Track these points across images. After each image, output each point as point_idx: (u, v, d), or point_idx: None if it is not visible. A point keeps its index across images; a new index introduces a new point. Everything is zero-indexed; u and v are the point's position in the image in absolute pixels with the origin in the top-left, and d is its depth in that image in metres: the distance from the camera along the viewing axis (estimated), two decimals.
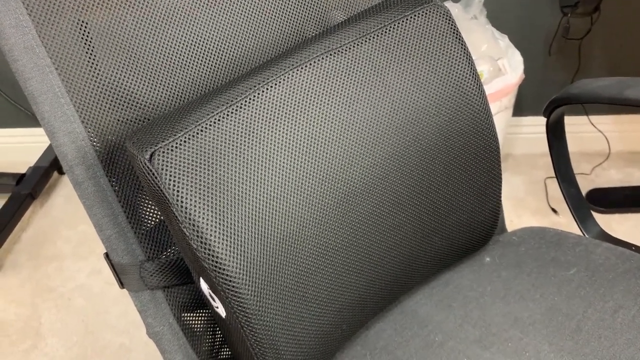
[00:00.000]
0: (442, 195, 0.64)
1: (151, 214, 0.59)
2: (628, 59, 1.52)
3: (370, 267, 0.61)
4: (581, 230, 0.79)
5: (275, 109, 0.52)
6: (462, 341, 0.65)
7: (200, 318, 0.63)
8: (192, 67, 0.59)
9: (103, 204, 0.57)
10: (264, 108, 0.52)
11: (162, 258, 0.59)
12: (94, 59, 0.55)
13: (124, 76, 0.56)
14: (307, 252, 0.54)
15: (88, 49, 0.55)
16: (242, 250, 0.49)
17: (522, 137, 1.66)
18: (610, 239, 0.78)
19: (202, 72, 0.59)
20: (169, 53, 0.58)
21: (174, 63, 0.58)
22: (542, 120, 1.62)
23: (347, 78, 0.56)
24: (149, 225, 0.59)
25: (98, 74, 0.55)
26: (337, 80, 0.56)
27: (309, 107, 0.54)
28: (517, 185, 1.59)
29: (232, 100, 0.51)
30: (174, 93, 0.58)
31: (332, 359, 0.66)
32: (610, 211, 1.47)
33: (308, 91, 0.54)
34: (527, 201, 1.54)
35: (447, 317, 0.68)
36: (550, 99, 0.70)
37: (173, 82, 0.58)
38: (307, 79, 0.54)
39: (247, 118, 0.51)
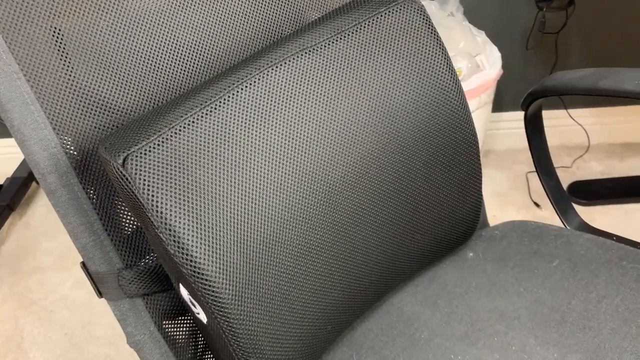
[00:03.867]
0: (423, 192, 0.64)
1: (128, 221, 0.58)
2: (604, 51, 1.53)
3: (353, 267, 0.60)
4: (562, 222, 0.80)
5: (251, 109, 0.52)
6: (448, 338, 0.64)
7: (181, 325, 0.62)
8: (166, 70, 0.58)
9: (78, 212, 0.56)
10: (239, 109, 0.51)
11: (141, 265, 0.58)
12: (66, 65, 0.54)
13: (97, 81, 0.55)
14: (288, 254, 0.53)
15: (61, 55, 0.53)
16: (221, 255, 0.48)
17: (502, 133, 1.67)
18: (592, 229, 0.78)
19: (176, 74, 0.58)
20: (142, 57, 0.57)
21: (147, 66, 0.57)
22: (522, 115, 1.63)
23: (323, 76, 0.56)
24: (125, 232, 0.58)
25: (70, 80, 0.54)
26: (312, 79, 0.55)
27: (284, 106, 0.53)
28: (499, 181, 1.60)
29: (205, 102, 0.50)
30: (148, 97, 0.57)
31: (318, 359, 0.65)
32: (592, 203, 1.48)
33: (283, 90, 0.53)
34: (510, 196, 1.55)
35: (433, 314, 0.68)
36: (528, 92, 0.70)
37: (147, 86, 0.57)
38: (282, 78, 0.54)
39: (221, 119, 0.50)
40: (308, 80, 0.55)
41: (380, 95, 0.58)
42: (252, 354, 0.52)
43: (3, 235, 1.59)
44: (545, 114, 0.78)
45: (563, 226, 0.80)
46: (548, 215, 1.47)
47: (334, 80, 0.56)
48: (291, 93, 0.54)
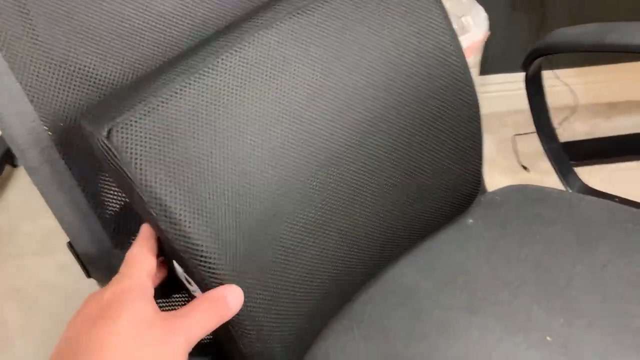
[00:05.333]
0: (424, 157, 0.61)
1: (115, 198, 0.54)
2: (591, 8, 1.50)
3: (353, 237, 0.57)
4: (564, 185, 0.78)
5: (242, 74, 0.48)
6: (450, 308, 0.62)
7: (176, 304, 0.59)
8: (148, 37, 0.54)
9: (62, 189, 0.52)
10: (230, 74, 0.48)
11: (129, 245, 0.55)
12: (36, 34, 0.49)
13: (73, 50, 0.51)
14: (287, 226, 0.50)
15: (29, 23, 0.49)
16: (216, 229, 0.45)
17: (488, 96, 1.65)
18: (594, 192, 0.77)
19: (159, 41, 0.54)
20: (121, 22, 0.52)
21: (128, 33, 0.53)
22: (508, 77, 1.61)
23: (317, 38, 0.52)
24: (113, 209, 0.54)
25: (44, 49, 0.50)
26: (306, 41, 0.52)
27: (278, 70, 0.50)
28: (486, 145, 1.57)
29: (194, 67, 0.46)
30: (131, 66, 0.53)
31: (318, 335, 0.63)
32: (580, 164, 1.47)
33: (276, 54, 0.50)
34: (498, 160, 1.53)
35: (434, 285, 0.66)
36: (525, 52, 0.67)
37: (129, 53, 0.53)
38: (274, 40, 0.50)
39: (211, 85, 0.46)
40: (302, 43, 0.51)
41: (378, 57, 0.55)
42: (251, 330, 0.50)
43: None
44: None
45: (564, 189, 0.79)
46: (537, 178, 1.47)
47: (328, 42, 0.53)
48: (284, 56, 0.50)
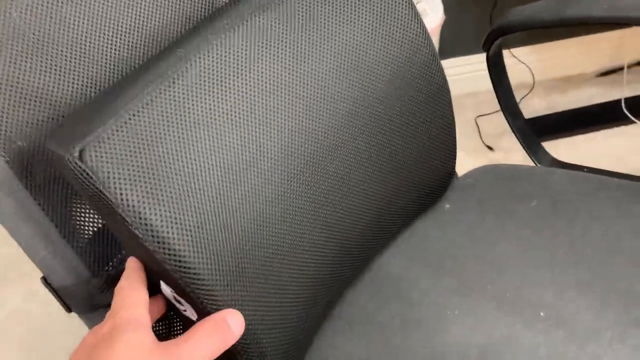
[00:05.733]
0: (401, 147, 0.61)
1: (89, 223, 0.52)
2: None
3: (340, 235, 0.57)
4: (534, 161, 0.79)
5: (213, 78, 0.47)
6: (440, 293, 0.62)
7: (164, 327, 0.58)
8: (106, 49, 0.51)
9: (29, 222, 0.49)
10: (201, 79, 0.46)
11: (110, 270, 0.53)
12: None
13: (24, 70, 0.48)
14: (273, 233, 0.49)
15: None
16: (205, 244, 0.43)
17: (449, 80, 1.66)
18: (562, 164, 0.78)
19: (119, 52, 0.51)
20: (75, 35, 0.50)
21: (83, 47, 0.50)
22: (465, 60, 1.62)
23: (285, 35, 0.51)
24: (88, 236, 0.52)
25: None
26: (276, 38, 0.51)
27: (249, 71, 0.49)
28: None
29: (162, 76, 0.44)
30: (89, 82, 0.50)
31: (314, 339, 0.62)
32: (542, 140, 1.50)
33: (246, 54, 0.49)
34: (462, 142, 1.53)
35: (421, 272, 0.66)
36: (489, 31, 0.68)
37: (87, 69, 0.50)
38: (243, 40, 0.49)
39: (183, 92, 0.45)
40: (271, 41, 0.50)
41: (348, 51, 0.54)
42: (250, 343, 0.49)
43: None
44: (482, 57, 0.76)
45: (534, 165, 0.80)
46: (502, 157, 1.49)
47: (299, 38, 0.52)
48: (254, 56, 0.49)
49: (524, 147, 0.76)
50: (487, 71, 0.77)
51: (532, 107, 1.64)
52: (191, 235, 0.42)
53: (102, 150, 0.40)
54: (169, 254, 0.41)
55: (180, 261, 0.42)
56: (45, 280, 0.52)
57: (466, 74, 1.61)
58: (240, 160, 0.47)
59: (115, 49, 0.52)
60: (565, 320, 0.56)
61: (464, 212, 0.72)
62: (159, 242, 0.41)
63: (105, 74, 0.51)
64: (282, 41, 0.51)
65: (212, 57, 0.47)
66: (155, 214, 0.41)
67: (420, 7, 1.29)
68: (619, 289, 0.58)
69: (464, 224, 0.70)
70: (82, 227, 0.52)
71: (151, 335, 0.40)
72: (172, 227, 0.41)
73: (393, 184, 0.61)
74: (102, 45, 0.51)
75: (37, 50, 0.48)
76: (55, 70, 0.49)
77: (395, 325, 0.60)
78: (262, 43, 0.49)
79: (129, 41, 0.52)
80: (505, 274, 0.62)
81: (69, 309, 0.53)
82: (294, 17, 0.52)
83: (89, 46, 0.50)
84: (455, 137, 0.67)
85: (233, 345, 0.46)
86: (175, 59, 0.45)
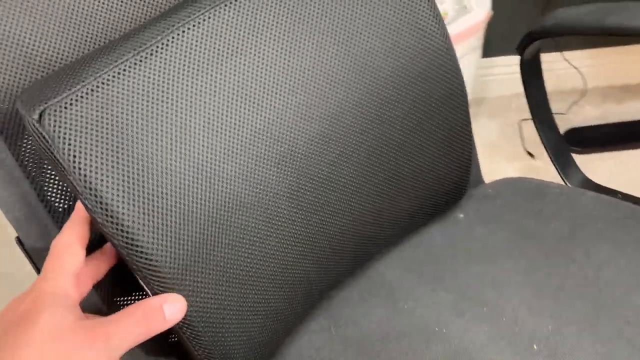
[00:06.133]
0: (405, 149, 0.56)
1: (66, 190, 0.50)
2: None
3: (325, 235, 0.53)
4: (562, 179, 0.73)
5: (195, 54, 0.43)
6: (433, 307, 0.58)
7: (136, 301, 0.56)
8: (97, 12, 0.49)
9: (8, 182, 0.48)
10: (181, 54, 0.43)
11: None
12: None
13: (13, 26, 0.46)
14: (244, 222, 0.46)
15: None
16: (158, 223, 0.41)
17: (494, 79, 1.59)
18: (595, 186, 0.72)
19: (110, 17, 0.49)
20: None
21: (76, 10, 0.48)
22: (514, 59, 1.53)
23: (284, 16, 0.47)
24: (65, 203, 0.50)
25: None
26: (271, 19, 0.47)
27: (236, 51, 0.45)
28: (490, 130, 1.52)
29: (140, 47, 0.42)
30: (77, 44, 0.48)
31: (290, 335, 0.59)
32: (589, 151, 1.41)
33: (236, 32, 0.45)
34: (502, 146, 1.48)
35: (418, 282, 0.62)
36: (524, 34, 0.62)
37: (75, 30, 0.48)
38: (234, 17, 0.45)
39: (159, 67, 0.42)
40: (265, 21, 0.47)
41: (352, 39, 0.50)
42: (203, 332, 0.46)
43: None
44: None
45: (563, 183, 0.74)
46: (542, 166, 1.41)
47: (297, 19, 0.48)
48: (245, 35, 0.45)
49: (553, 163, 0.70)
50: None
51: (585, 114, 1.54)
52: (143, 212, 0.40)
53: (62, 115, 0.38)
54: (117, 229, 0.40)
55: (128, 237, 0.40)
56: (18, 240, 0.51)
57: (514, 74, 1.53)
58: (212, 142, 0.44)
59: (106, 15, 0.49)
60: (560, 358, 0.51)
61: (476, 225, 0.67)
62: (106, 215, 0.39)
63: (93, 39, 0.49)
64: (279, 23, 0.47)
65: (197, 32, 0.43)
66: (106, 185, 0.39)
67: (466, 2, 1.22)
68: (628, 337, 0.52)
69: (474, 237, 0.65)
70: (58, 193, 0.50)
71: (74, 312, 0.38)
72: (122, 201, 0.39)
73: (392, 190, 0.57)
74: (92, 9, 0.49)
75: (29, 11, 0.46)
76: (43, 28, 0.47)
77: (377, 334, 0.57)
78: (257, 22, 0.46)
79: (122, 7, 0.50)
80: (506, 297, 0.57)
81: (38, 270, 0.52)
82: None
83: (79, 8, 0.48)
84: (470, 144, 0.61)
85: (182, 331, 0.44)
86: (159, 29, 0.43)
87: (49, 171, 0.49)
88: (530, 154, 1.44)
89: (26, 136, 0.47)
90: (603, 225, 0.62)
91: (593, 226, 0.62)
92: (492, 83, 1.59)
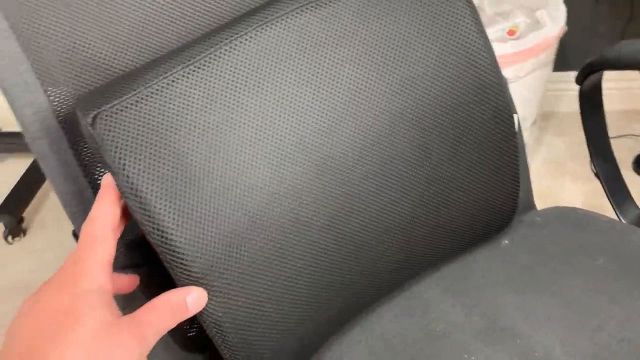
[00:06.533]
0: (444, 173, 0.56)
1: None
2: None
3: (357, 253, 0.54)
4: (617, 214, 0.70)
5: (241, 69, 0.45)
6: (465, 333, 0.58)
7: None
8: (163, 24, 0.51)
9: (68, 179, 0.52)
10: (227, 68, 0.45)
11: (132, 235, 0.54)
12: (58, 21, 0.49)
13: (90, 37, 0.50)
14: (276, 229, 0.47)
15: (52, 10, 0.48)
16: (197, 227, 0.43)
17: (566, 94, 1.53)
18: None
19: (174, 30, 0.52)
20: (137, 11, 0.51)
21: (141, 20, 0.51)
22: None
23: (328, 35, 0.48)
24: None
25: (62, 36, 0.49)
26: (315, 38, 0.48)
27: (280, 68, 0.47)
28: (558, 147, 1.47)
29: (189, 60, 0.44)
30: (143, 55, 0.51)
31: (323, 343, 0.61)
32: None
33: (280, 50, 0.47)
34: (568, 165, 1.43)
35: (454, 305, 0.61)
36: (584, 64, 0.60)
37: (142, 41, 0.51)
38: (280, 36, 0.47)
39: (206, 79, 0.44)
40: (310, 39, 0.48)
41: (395, 59, 0.50)
42: (230, 333, 0.48)
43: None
44: (615, 75, 0.67)
45: (617, 218, 0.71)
46: None
47: (341, 39, 0.49)
48: (289, 53, 0.47)
49: (607, 197, 0.67)
50: (611, 90, 0.68)
51: None
52: (181, 215, 0.43)
53: (112, 120, 0.42)
54: (154, 228, 0.42)
55: (165, 237, 0.42)
56: (74, 234, 0.55)
57: None
58: (254, 153, 0.46)
59: (171, 26, 0.52)
60: None
61: (520, 253, 0.66)
62: (146, 216, 0.42)
63: (158, 49, 0.52)
64: (323, 41, 0.48)
65: (244, 49, 0.45)
66: (148, 188, 0.42)
67: (538, 15, 1.18)
68: None
69: (517, 266, 0.64)
70: None
71: (112, 309, 0.39)
72: (162, 203, 0.42)
73: (430, 215, 0.57)
74: (159, 21, 0.51)
75: (103, 18, 0.50)
76: (115, 40, 0.50)
77: (407, 355, 0.57)
78: (301, 41, 0.47)
79: (184, 20, 0.52)
80: (541, 331, 0.56)
81: None
82: (342, 18, 0.49)
83: (147, 20, 0.51)
84: (517, 170, 0.60)
85: (210, 329, 0.46)
86: (207, 45, 0.45)
87: (102, 170, 0.53)
88: (597, 176, 1.38)
89: (84, 137, 0.51)
90: None
91: None
92: (563, 98, 1.53)
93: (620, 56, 0.58)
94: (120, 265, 0.54)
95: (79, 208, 0.53)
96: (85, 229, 0.42)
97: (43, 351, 0.35)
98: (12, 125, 1.74)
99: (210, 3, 0.52)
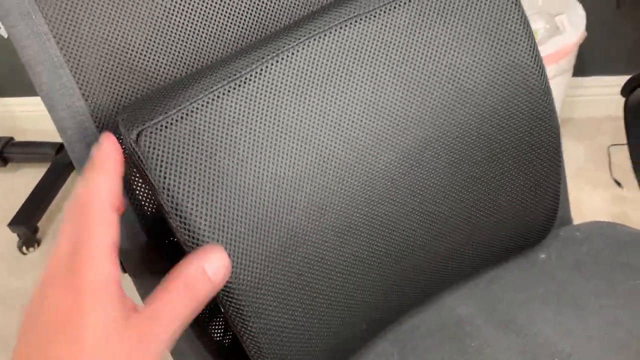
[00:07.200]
0: (490, 188, 0.54)
1: (152, 196, 0.53)
2: None
3: (394, 265, 0.52)
4: None
5: (286, 85, 0.44)
6: (502, 350, 0.56)
7: (207, 306, 0.57)
8: (205, 32, 0.51)
9: None
10: (272, 84, 0.44)
11: (166, 242, 0.53)
12: (96, 25, 0.48)
13: (128, 42, 0.49)
14: (313, 245, 0.46)
15: (91, 15, 0.48)
16: (236, 244, 0.42)
17: (584, 100, 1.51)
18: None
19: (217, 37, 0.51)
20: (176, 17, 0.50)
21: (181, 28, 0.50)
22: (607, 80, 1.45)
23: (376, 49, 0.47)
24: (151, 207, 0.53)
25: (101, 41, 0.48)
26: (362, 52, 0.46)
27: (325, 83, 0.45)
28: (577, 153, 1.45)
29: (234, 75, 0.43)
30: (181, 63, 0.50)
31: (354, 355, 0.59)
32: None
33: (326, 65, 0.45)
34: (588, 171, 1.40)
35: (488, 320, 0.60)
36: (630, 77, 0.58)
37: (181, 49, 0.50)
38: (326, 50, 0.45)
39: (251, 95, 0.43)
40: (356, 54, 0.46)
41: (444, 75, 0.49)
42: (266, 348, 0.47)
43: (65, 192, 1.58)
44: None
45: None
46: (630, 196, 1.33)
47: (388, 53, 0.47)
48: (335, 68, 0.46)
49: None
50: None
51: None
52: (224, 236, 0.42)
53: (157, 137, 0.40)
54: (196, 244, 0.41)
55: None
56: None
57: (607, 96, 1.45)
58: (295, 170, 0.44)
59: (214, 34, 0.51)
60: None
61: (558, 268, 0.64)
62: (189, 234, 0.41)
63: (201, 57, 0.51)
64: (370, 56, 0.47)
65: (289, 64, 0.44)
66: (192, 207, 0.41)
67: (558, 20, 1.16)
68: None
69: (554, 282, 0.62)
70: (146, 198, 0.52)
71: (121, 303, 0.33)
72: (205, 224, 0.41)
73: (469, 228, 0.55)
74: (201, 28, 0.51)
75: (141, 22, 0.49)
76: (153, 45, 0.50)
77: None
78: (347, 55, 0.46)
79: (229, 28, 0.51)
80: (580, 351, 0.55)
81: (124, 270, 0.55)
82: (390, 32, 0.47)
83: (187, 28, 0.50)
84: (558, 187, 0.59)
85: (246, 346, 0.44)
86: (252, 59, 0.44)
87: (138, 177, 0.51)
88: (618, 183, 1.37)
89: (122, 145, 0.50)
90: None
91: None
92: (582, 104, 1.51)
93: None
94: (160, 269, 0.53)
95: None
96: (78, 207, 0.35)
97: (45, 356, 0.31)
98: (25, 135, 1.75)
99: (259, 12, 0.51)
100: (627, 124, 0.64)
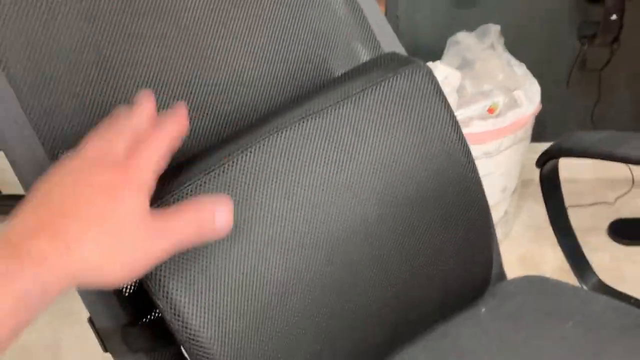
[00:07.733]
0: (429, 251, 0.63)
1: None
2: None
3: (357, 328, 0.60)
4: (579, 282, 0.78)
5: (254, 174, 0.53)
6: None
7: None
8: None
9: None
10: (243, 174, 0.53)
11: (146, 321, 0.58)
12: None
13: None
14: (288, 317, 0.54)
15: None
16: (218, 321, 0.50)
17: None
18: (610, 291, 0.76)
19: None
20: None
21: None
22: None
23: (328, 141, 0.57)
24: (132, 287, 0.58)
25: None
26: (317, 144, 0.56)
27: (288, 171, 0.55)
28: (537, 213, 1.56)
29: (209, 168, 0.52)
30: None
31: None
32: (634, 243, 1.43)
33: (287, 156, 0.55)
34: (548, 230, 1.50)
35: None
36: (544, 150, 0.69)
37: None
38: (286, 143, 0.55)
39: (225, 185, 0.52)
40: (313, 145, 0.56)
41: (386, 159, 0.59)
42: None
43: None
44: None
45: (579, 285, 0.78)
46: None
47: (339, 144, 0.57)
48: (295, 158, 0.55)
49: (571, 266, 0.75)
50: (588, 160, 0.76)
51: (634, 206, 1.55)
52: (206, 312, 0.49)
53: None
54: (183, 326, 0.48)
55: (191, 334, 0.49)
56: (90, 320, 0.58)
57: (563, 160, 1.57)
58: (267, 249, 0.52)
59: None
60: None
61: (497, 320, 0.72)
62: (174, 313, 0.48)
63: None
64: (324, 146, 0.56)
65: (255, 156, 0.53)
66: (176, 288, 0.48)
67: (515, 95, 1.29)
68: None
69: (495, 332, 0.71)
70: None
71: (146, 203, 0.39)
72: (189, 302, 0.48)
73: (416, 287, 0.64)
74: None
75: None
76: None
77: None
78: (305, 147, 0.54)
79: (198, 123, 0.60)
80: None
81: (105, 349, 0.59)
82: (339, 126, 0.56)
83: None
84: (491, 247, 0.68)
85: None
86: (223, 154, 0.53)
87: None
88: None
89: None
90: (614, 330, 0.66)
91: (605, 331, 0.67)
92: None
93: (573, 147, 0.67)
94: (140, 348, 0.60)
95: (97, 296, 0.57)
96: (144, 121, 0.43)
97: (65, 221, 0.34)
98: (12, 187, 1.79)
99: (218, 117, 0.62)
100: (543, 191, 0.75)
